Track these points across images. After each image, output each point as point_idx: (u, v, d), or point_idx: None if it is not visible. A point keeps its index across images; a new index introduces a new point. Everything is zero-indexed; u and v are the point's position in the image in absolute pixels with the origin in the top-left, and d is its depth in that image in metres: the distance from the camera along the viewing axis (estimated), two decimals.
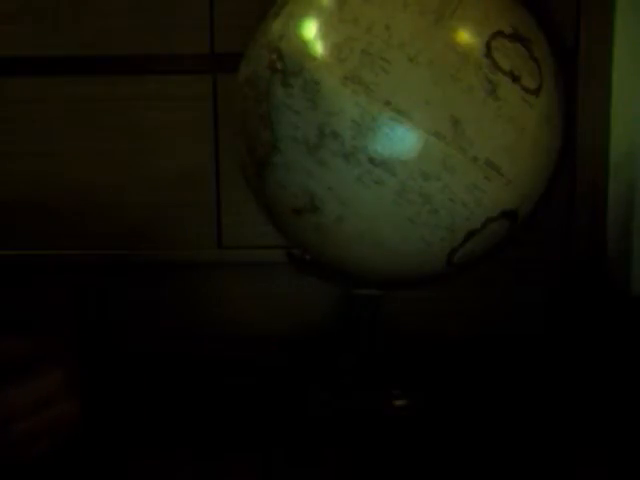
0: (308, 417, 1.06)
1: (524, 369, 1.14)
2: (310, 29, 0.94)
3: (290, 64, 0.94)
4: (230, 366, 1.15)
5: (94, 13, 1.14)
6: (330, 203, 0.95)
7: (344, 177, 0.93)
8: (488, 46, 0.94)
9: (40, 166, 1.17)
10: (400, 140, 0.92)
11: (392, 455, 1.00)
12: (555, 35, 1.07)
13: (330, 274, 1.06)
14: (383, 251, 0.97)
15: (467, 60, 0.93)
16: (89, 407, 0.94)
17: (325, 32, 0.94)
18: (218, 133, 1.16)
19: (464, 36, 0.94)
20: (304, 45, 0.94)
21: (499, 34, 0.95)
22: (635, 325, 1.15)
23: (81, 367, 0.98)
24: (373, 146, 0.92)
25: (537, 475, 0.96)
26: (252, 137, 0.98)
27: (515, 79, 0.94)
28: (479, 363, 1.15)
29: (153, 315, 1.20)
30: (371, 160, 0.92)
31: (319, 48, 0.93)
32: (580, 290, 1.18)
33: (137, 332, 1.19)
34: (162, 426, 1.04)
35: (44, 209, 1.18)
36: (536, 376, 1.13)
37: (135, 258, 1.19)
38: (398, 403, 1.08)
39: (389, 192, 0.93)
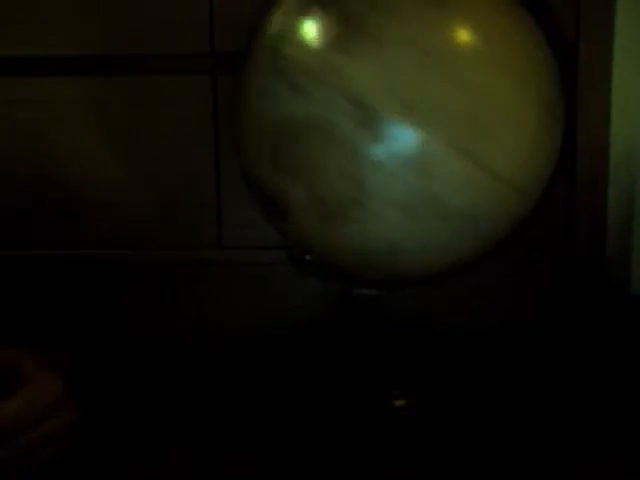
0: (308, 417, 1.06)
1: (524, 369, 1.14)
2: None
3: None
4: (230, 366, 1.15)
5: (94, 13, 1.14)
6: None
7: None
8: None
9: (39, 166, 1.17)
10: (400, 140, 0.92)
11: (392, 455, 1.00)
12: (555, 35, 1.07)
13: (330, 274, 1.06)
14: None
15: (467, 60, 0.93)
16: (90, 413, 0.95)
17: None
18: (218, 133, 1.16)
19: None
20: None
21: None
22: (635, 325, 1.15)
23: (81, 372, 0.98)
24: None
25: (537, 475, 0.96)
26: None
27: None
28: (479, 363, 1.15)
29: (153, 315, 1.20)
30: None
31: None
32: (580, 290, 1.18)
33: (136, 332, 1.19)
34: (162, 427, 1.04)
35: (43, 209, 1.18)
36: (536, 376, 1.13)
37: (135, 258, 1.19)
38: (398, 403, 1.08)
39: None
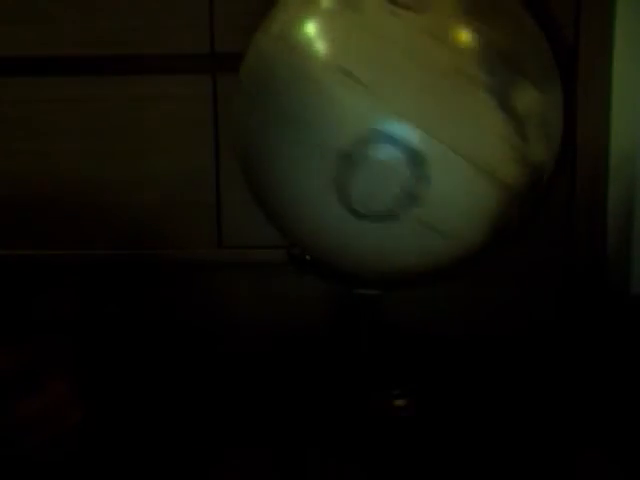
0: (307, 416, 1.06)
1: (524, 368, 1.14)
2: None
3: None
4: (230, 365, 1.15)
5: (94, 13, 1.14)
6: None
7: None
8: None
9: (40, 166, 1.17)
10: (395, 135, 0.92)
11: (392, 454, 1.00)
12: (555, 35, 1.07)
13: (330, 274, 1.06)
14: None
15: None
16: (94, 410, 0.95)
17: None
18: (218, 133, 1.16)
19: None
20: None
21: None
22: (634, 324, 1.15)
23: (85, 371, 0.98)
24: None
25: (537, 474, 0.97)
26: None
27: None
28: (479, 363, 1.15)
29: (153, 314, 1.20)
30: None
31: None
32: (580, 290, 1.18)
33: (136, 331, 1.19)
34: (160, 427, 1.04)
35: (43, 209, 1.18)
36: (536, 375, 1.13)
37: (135, 258, 1.19)
38: (398, 403, 1.08)
39: None
